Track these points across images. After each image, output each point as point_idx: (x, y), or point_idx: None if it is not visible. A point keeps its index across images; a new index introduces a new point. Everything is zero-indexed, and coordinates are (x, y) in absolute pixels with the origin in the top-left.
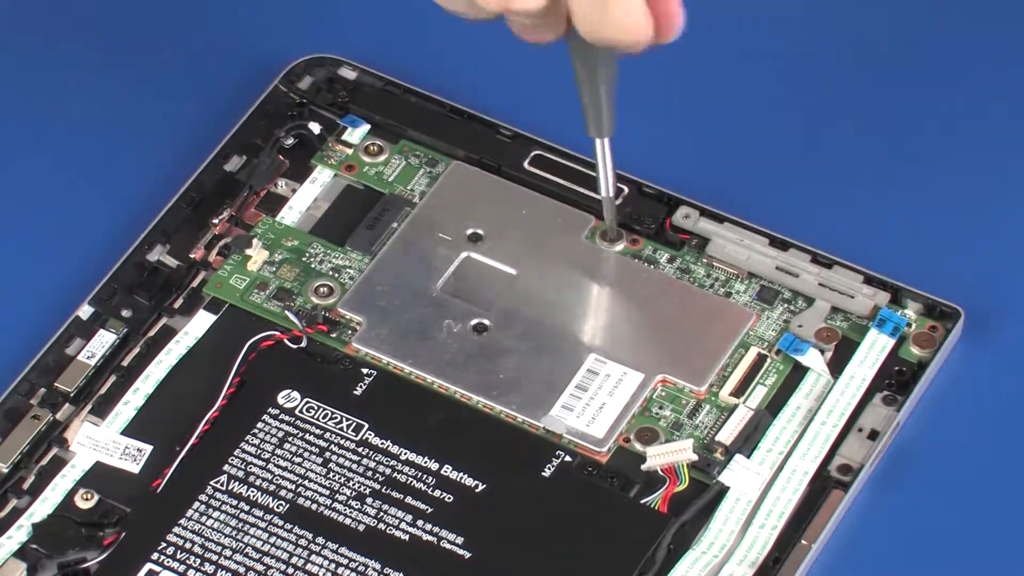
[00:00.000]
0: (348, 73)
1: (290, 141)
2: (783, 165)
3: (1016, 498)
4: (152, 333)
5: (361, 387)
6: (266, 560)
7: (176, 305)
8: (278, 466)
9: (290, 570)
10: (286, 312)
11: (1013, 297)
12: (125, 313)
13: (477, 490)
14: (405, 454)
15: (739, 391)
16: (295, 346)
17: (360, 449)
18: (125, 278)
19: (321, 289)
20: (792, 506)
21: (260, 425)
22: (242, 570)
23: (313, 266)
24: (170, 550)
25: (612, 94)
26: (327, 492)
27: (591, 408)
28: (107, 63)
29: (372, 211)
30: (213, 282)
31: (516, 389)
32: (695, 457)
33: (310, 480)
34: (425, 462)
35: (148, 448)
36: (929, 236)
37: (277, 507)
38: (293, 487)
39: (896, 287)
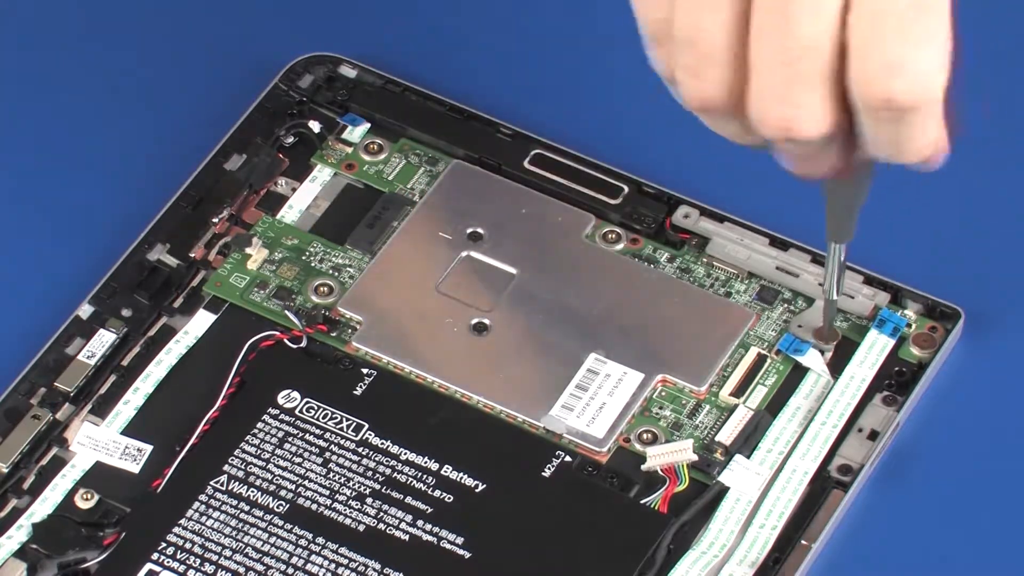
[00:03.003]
0: (348, 71)
1: (290, 139)
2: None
3: (1016, 498)
4: (152, 332)
5: (361, 387)
6: (266, 560)
7: (176, 304)
8: (278, 466)
9: (290, 570)
10: (286, 312)
11: (1013, 297)
12: (125, 312)
13: (477, 490)
14: (405, 454)
15: (739, 391)
16: (295, 346)
17: (360, 449)
18: (125, 277)
19: (321, 288)
20: (792, 506)
21: (260, 425)
22: (242, 570)
23: (313, 265)
24: (170, 550)
25: (863, 203)
26: (327, 492)
27: (591, 408)
28: (106, 62)
29: (372, 210)
30: (213, 281)
31: (516, 389)
32: (695, 457)
33: (310, 480)
34: (425, 462)
35: (148, 448)
36: (929, 236)
37: (277, 507)
38: (293, 487)
39: (896, 287)
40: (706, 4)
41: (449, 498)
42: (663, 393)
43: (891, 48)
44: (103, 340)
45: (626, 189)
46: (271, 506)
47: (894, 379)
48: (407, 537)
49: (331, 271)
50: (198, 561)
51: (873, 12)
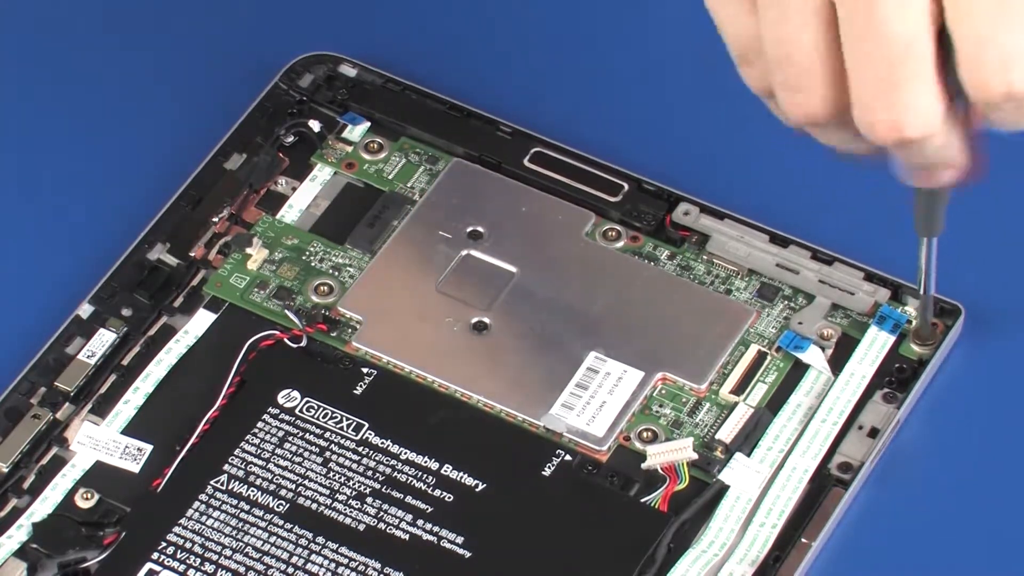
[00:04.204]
0: (348, 70)
1: (290, 139)
2: (783, 162)
3: (1016, 496)
4: (152, 332)
5: (361, 387)
6: (266, 560)
7: (176, 304)
8: (278, 466)
9: (290, 570)
10: (286, 311)
11: (1014, 293)
12: (125, 312)
13: (477, 490)
14: (405, 454)
15: (739, 389)
16: (295, 345)
17: (360, 449)
18: (125, 277)
19: (321, 288)
20: (792, 504)
21: (260, 425)
22: (242, 570)
23: (313, 264)
24: (170, 550)
25: (948, 195)
26: (327, 492)
27: (591, 407)
28: (106, 62)
29: (372, 209)
30: (213, 281)
31: (516, 388)
32: (695, 455)
33: (310, 480)
34: (425, 462)
35: (148, 448)
36: None
37: (277, 507)
38: (293, 487)
39: (896, 284)
40: (793, 17)
41: (449, 497)
42: (663, 391)
43: (1000, 40)
44: (103, 340)
45: (626, 187)
46: (271, 505)
47: (894, 376)
48: (407, 537)
49: (331, 271)
50: (198, 561)
51: (967, 2)
